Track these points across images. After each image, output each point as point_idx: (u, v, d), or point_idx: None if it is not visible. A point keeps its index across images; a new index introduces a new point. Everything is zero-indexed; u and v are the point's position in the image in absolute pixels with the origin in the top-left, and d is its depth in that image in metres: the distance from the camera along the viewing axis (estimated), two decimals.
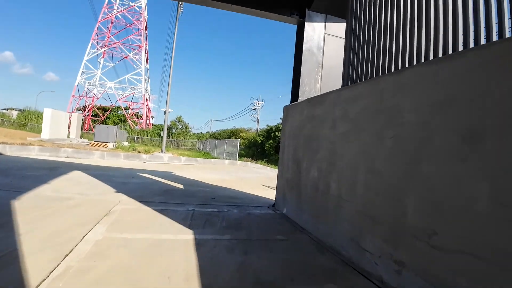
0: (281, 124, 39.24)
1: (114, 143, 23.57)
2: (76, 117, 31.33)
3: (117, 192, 5.18)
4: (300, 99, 4.68)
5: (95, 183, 5.93)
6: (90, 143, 23.03)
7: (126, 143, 27.25)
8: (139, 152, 21.19)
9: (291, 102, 4.87)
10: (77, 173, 7.03)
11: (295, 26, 5.20)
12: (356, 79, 3.70)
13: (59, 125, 26.40)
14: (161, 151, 17.55)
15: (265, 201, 5.79)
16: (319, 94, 4.66)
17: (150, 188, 5.99)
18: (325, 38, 4.99)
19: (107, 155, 12.29)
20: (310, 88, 4.79)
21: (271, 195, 6.97)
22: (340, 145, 3.08)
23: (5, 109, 47.43)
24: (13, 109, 46.23)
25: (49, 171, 6.96)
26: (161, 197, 5.05)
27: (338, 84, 4.49)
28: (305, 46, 4.84)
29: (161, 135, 18.99)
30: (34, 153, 10.51)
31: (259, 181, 10.14)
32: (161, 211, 4.00)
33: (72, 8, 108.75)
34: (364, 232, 2.50)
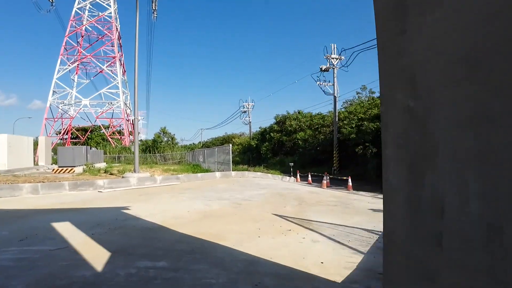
0: (276, 124, 35.63)
1: (84, 166, 19.68)
2: (44, 141, 27.36)
3: None
4: None
5: None
6: (53, 170, 19.16)
7: (102, 165, 23.38)
8: (111, 174, 17.55)
9: None
10: None
11: None
12: None
13: (20, 152, 22.50)
14: (134, 170, 13.79)
15: None
16: None
17: None
18: None
19: (43, 187, 8.56)
20: None
21: (302, 249, 3.29)
22: None
23: None
24: None
25: None
26: None
27: None
28: None
29: (133, 150, 15.26)
30: None
31: (267, 205, 6.56)
32: None
33: (43, 28, 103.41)
34: None
